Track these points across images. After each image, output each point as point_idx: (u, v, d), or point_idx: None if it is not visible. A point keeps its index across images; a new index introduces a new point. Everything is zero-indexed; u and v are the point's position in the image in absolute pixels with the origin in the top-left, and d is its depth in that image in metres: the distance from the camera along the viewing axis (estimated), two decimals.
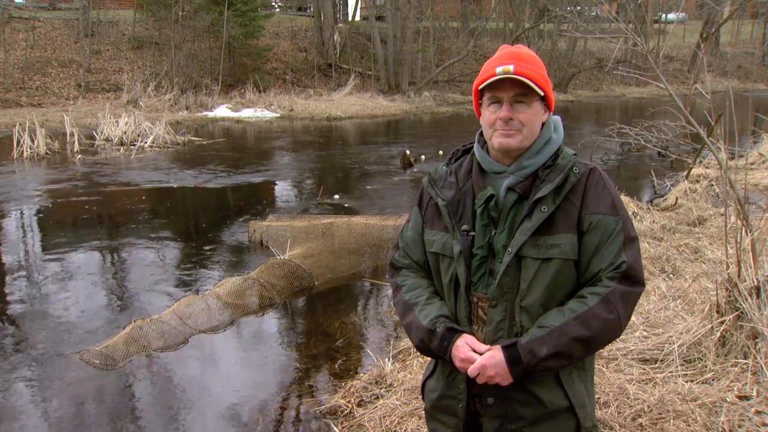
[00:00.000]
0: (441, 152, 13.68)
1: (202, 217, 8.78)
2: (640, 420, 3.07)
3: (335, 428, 3.41)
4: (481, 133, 1.76)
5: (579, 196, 1.64)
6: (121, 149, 14.23)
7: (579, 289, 1.65)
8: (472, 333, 1.70)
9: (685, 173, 9.42)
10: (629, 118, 15.25)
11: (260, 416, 3.68)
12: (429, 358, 1.89)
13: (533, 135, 1.68)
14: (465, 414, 1.74)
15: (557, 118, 1.77)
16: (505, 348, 1.60)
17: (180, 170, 11.88)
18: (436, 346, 1.69)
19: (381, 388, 3.70)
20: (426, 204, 1.82)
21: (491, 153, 1.74)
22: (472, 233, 1.69)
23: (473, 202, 1.72)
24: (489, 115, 1.69)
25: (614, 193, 1.67)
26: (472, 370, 1.62)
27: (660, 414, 3.10)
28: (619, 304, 1.58)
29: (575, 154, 1.71)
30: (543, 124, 1.72)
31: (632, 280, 1.61)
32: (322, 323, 5.10)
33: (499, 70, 1.63)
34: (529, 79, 1.62)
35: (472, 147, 1.81)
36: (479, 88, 1.70)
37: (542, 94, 1.66)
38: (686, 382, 3.37)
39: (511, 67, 1.62)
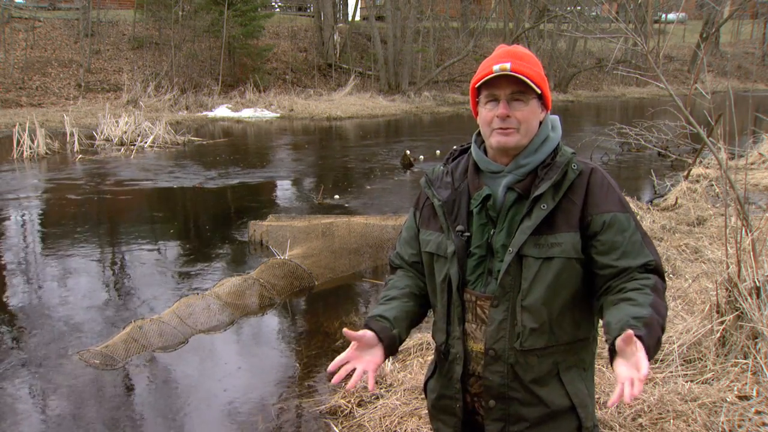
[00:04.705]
0: (438, 152, 13.67)
1: (202, 217, 8.78)
2: (640, 420, 3.07)
3: (335, 428, 3.41)
4: (479, 133, 1.76)
5: (581, 195, 1.63)
6: (121, 149, 14.22)
7: (584, 288, 1.64)
8: (465, 332, 1.70)
9: (685, 173, 9.41)
10: (629, 118, 15.24)
11: (260, 416, 3.68)
12: (430, 357, 1.90)
13: (530, 133, 1.68)
14: (463, 413, 1.74)
15: (555, 117, 1.77)
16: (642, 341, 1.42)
17: (180, 170, 11.88)
18: None
19: (381, 388, 3.69)
20: (422, 204, 1.83)
21: (489, 152, 1.73)
22: (466, 234, 1.69)
23: (468, 202, 1.72)
24: (486, 113, 1.68)
25: (618, 191, 1.68)
26: (635, 386, 1.36)
27: (660, 414, 3.10)
28: (663, 295, 1.58)
29: (574, 153, 1.71)
30: (540, 122, 1.72)
31: (662, 276, 1.62)
32: (322, 323, 5.10)
33: (495, 67, 1.63)
34: (526, 77, 1.62)
35: (470, 147, 1.81)
36: (476, 86, 1.69)
37: (539, 92, 1.66)
38: (686, 382, 3.37)
39: (507, 65, 1.62)
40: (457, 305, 1.70)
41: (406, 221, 1.90)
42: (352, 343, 1.63)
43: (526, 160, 1.68)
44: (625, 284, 1.58)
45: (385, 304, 1.77)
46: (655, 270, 1.60)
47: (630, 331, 1.38)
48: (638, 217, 7.25)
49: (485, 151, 1.74)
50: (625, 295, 1.55)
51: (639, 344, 1.36)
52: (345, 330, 1.62)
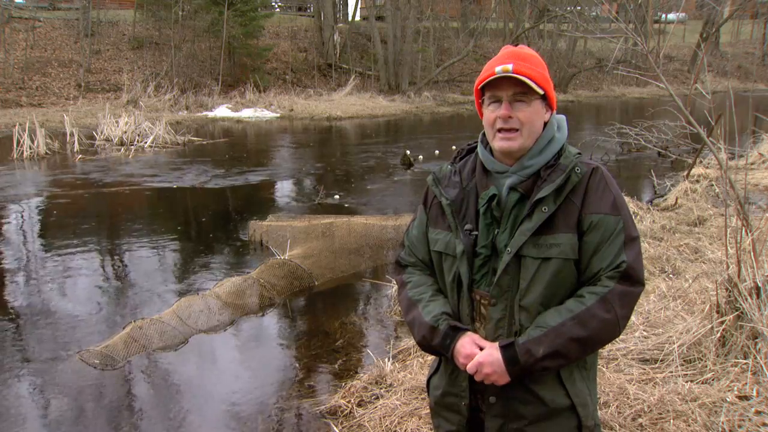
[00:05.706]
0: (438, 152, 13.66)
1: (202, 217, 8.78)
2: (640, 420, 3.07)
3: (335, 428, 3.41)
4: (485, 133, 1.77)
5: (580, 196, 1.64)
6: (121, 149, 14.21)
7: (580, 289, 1.65)
8: (474, 331, 1.71)
9: (685, 173, 9.41)
10: (629, 118, 15.24)
11: (260, 416, 3.68)
12: (431, 357, 1.90)
13: (534, 134, 1.69)
14: (468, 411, 1.75)
15: (561, 117, 1.77)
16: (502, 347, 1.61)
17: (180, 170, 11.88)
18: (438, 343, 1.70)
19: (381, 388, 3.70)
20: (430, 203, 1.83)
21: (494, 153, 1.74)
22: (475, 233, 1.70)
23: (476, 201, 1.73)
24: (489, 114, 1.69)
25: (616, 192, 1.67)
26: (470, 367, 1.63)
27: (660, 414, 3.10)
28: (617, 304, 1.58)
29: (579, 153, 1.71)
30: (545, 123, 1.72)
31: (632, 279, 1.61)
32: (322, 323, 5.10)
33: (498, 69, 1.64)
34: (528, 78, 1.63)
35: (476, 146, 1.82)
36: (479, 87, 1.71)
37: (542, 92, 1.66)
38: (686, 382, 3.37)
39: (510, 66, 1.63)
40: (467, 304, 1.71)
41: (415, 218, 1.89)
42: (475, 342, 1.67)
43: (530, 162, 1.68)
44: (581, 289, 1.62)
45: (436, 299, 1.76)
46: (624, 274, 1.60)
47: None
48: (638, 218, 7.25)
49: (491, 152, 1.75)
50: (566, 301, 1.62)
51: (492, 346, 1.62)
52: (468, 366, 1.66)
